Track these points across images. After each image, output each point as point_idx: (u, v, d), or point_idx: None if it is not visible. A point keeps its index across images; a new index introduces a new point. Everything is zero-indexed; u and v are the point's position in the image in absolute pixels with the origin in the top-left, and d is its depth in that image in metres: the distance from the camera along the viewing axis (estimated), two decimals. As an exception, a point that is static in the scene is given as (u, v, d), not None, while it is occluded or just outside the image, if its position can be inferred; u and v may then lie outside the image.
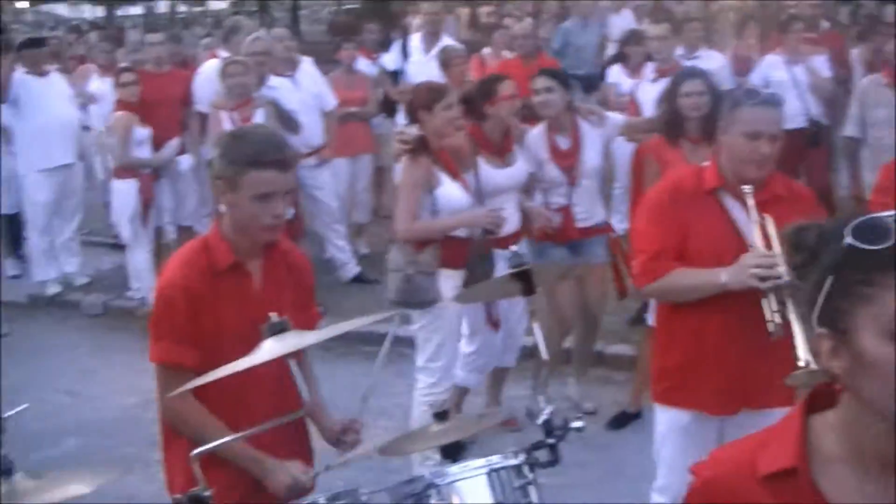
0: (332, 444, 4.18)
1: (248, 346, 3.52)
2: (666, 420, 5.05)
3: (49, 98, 10.98)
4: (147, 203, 10.59)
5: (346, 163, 11.24)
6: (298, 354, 3.84)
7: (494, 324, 7.05)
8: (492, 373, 7.52)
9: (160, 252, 11.15)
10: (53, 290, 11.47)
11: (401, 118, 10.59)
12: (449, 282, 6.60)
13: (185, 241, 10.89)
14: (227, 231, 4.06)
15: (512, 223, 6.95)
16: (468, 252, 6.70)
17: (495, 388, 7.54)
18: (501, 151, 7.12)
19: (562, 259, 7.28)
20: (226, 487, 3.55)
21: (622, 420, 7.55)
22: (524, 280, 3.68)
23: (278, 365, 3.84)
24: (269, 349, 3.16)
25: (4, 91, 10.75)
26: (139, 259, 10.76)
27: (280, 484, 3.78)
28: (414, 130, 6.66)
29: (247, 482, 3.87)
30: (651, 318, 7.31)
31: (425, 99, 6.76)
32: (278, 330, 3.16)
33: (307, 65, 10.71)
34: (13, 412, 3.01)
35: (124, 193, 10.51)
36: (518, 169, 7.14)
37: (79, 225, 11.89)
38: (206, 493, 2.96)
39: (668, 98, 6.97)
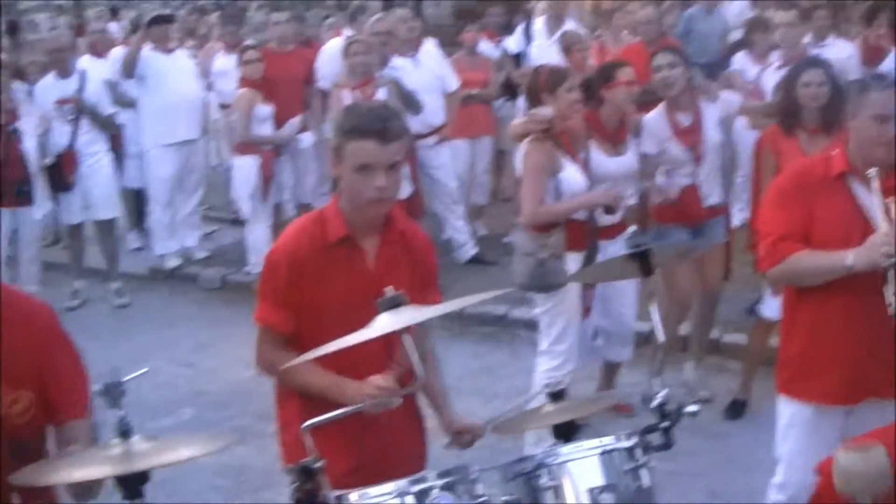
0: (449, 441, 4.20)
1: (355, 321, 3.50)
2: (788, 413, 4.97)
3: (174, 74, 11.12)
4: (267, 179, 10.69)
5: (466, 144, 11.20)
6: (413, 331, 3.84)
7: (586, 312, 6.97)
8: (603, 367, 7.47)
9: (278, 229, 11.28)
10: (173, 263, 11.65)
11: (522, 101, 10.60)
12: (573, 265, 6.60)
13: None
14: (344, 205, 4.07)
15: (616, 214, 6.89)
16: (588, 234, 6.69)
17: (607, 381, 7.47)
18: (615, 139, 7.07)
19: (683, 241, 7.21)
20: (337, 458, 3.55)
21: (738, 409, 7.45)
22: (642, 261, 3.64)
23: (389, 342, 3.87)
24: (382, 323, 3.14)
25: (132, 67, 10.93)
26: (258, 235, 10.86)
27: (361, 395, 3.75)
28: (548, 111, 6.63)
29: (357, 453, 3.85)
30: (763, 309, 7.26)
31: (548, 82, 6.74)
32: (393, 304, 3.14)
33: (430, 46, 10.71)
34: (133, 376, 3.04)
35: (245, 169, 10.64)
36: (628, 158, 7.09)
37: (200, 200, 12.11)
38: (317, 465, 2.96)
39: (787, 87, 6.86)
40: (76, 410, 3.56)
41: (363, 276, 4.04)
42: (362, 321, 3.67)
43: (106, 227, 11.06)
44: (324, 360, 3.95)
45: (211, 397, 8.40)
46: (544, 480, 3.36)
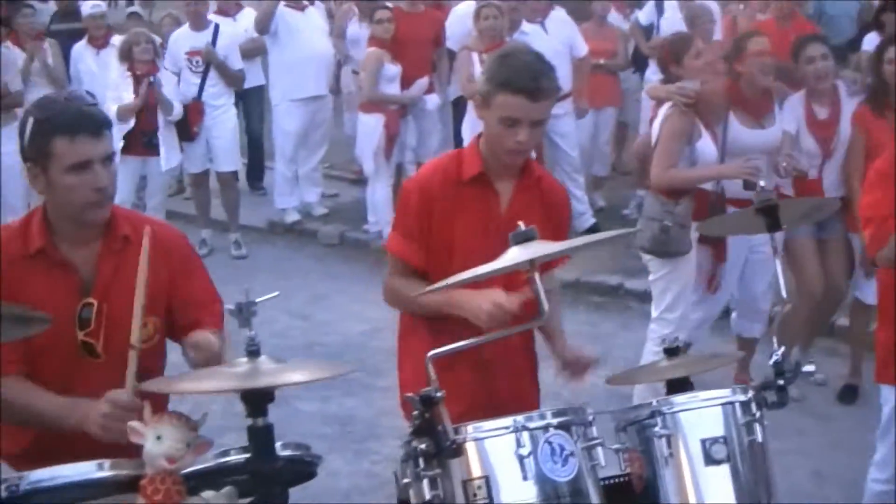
0: (560, 369, 4.19)
1: (483, 261, 3.54)
2: (892, 401, 4.95)
3: (306, 31, 11.27)
4: (391, 138, 10.76)
5: (590, 114, 11.14)
6: (542, 267, 3.91)
7: (711, 284, 6.97)
8: (738, 343, 7.39)
9: (399, 189, 11.37)
10: (292, 217, 11.82)
11: (649, 73, 10.57)
12: (695, 234, 6.61)
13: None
14: (483, 147, 4.12)
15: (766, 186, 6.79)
16: (709, 206, 6.67)
17: (743, 359, 7.38)
18: (757, 111, 6.95)
19: (809, 234, 7.14)
20: (448, 401, 3.63)
21: (850, 394, 7.37)
22: (770, 216, 3.64)
23: (513, 279, 3.89)
24: (512, 256, 3.19)
25: (268, 23, 11.09)
26: (379, 193, 10.97)
27: (479, 310, 3.74)
28: (695, 86, 6.61)
29: (469, 396, 3.90)
30: (860, 293, 7.18)
31: (672, 51, 6.75)
32: (524, 238, 3.19)
33: (559, 12, 10.70)
34: (264, 298, 3.14)
35: (370, 127, 10.73)
36: (772, 132, 6.96)
37: (322, 157, 12.23)
38: (438, 394, 3.01)
39: (875, 65, 6.75)
40: (212, 321, 3.71)
41: (494, 217, 4.09)
42: (487, 260, 3.74)
43: (227, 178, 11.27)
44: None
45: (323, 349, 8.53)
46: (658, 428, 3.38)
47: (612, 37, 11.51)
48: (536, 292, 3.18)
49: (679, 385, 3.73)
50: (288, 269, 10.57)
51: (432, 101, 11.06)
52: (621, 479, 3.47)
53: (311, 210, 12.00)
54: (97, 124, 3.51)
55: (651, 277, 6.92)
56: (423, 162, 11.02)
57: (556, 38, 10.33)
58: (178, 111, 10.49)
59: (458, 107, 11.16)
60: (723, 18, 10.97)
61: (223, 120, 10.99)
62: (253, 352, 3.03)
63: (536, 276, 3.18)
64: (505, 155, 4.04)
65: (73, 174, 3.45)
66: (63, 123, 3.45)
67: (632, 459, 3.46)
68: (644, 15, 11.69)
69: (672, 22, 10.98)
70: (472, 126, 9.92)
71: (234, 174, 11.42)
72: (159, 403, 3.36)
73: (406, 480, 3.29)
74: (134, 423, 2.98)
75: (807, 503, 5.86)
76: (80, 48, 11.76)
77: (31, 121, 3.52)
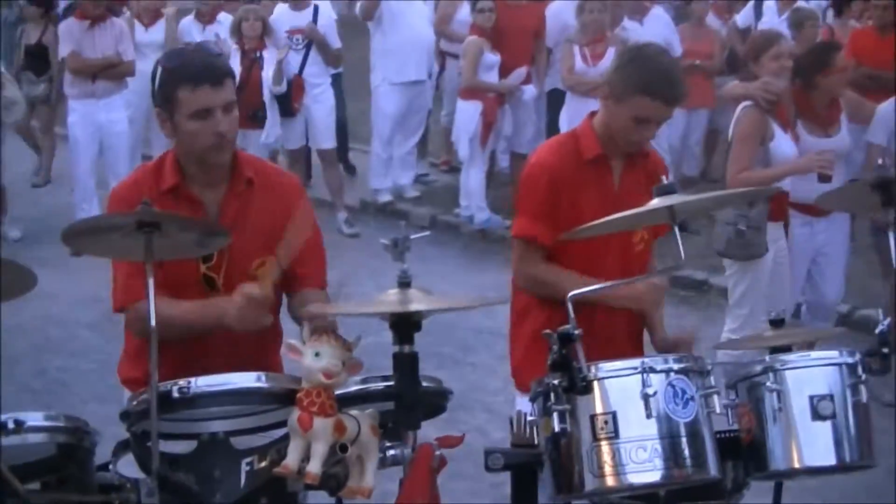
0: (659, 351, 4.40)
1: (607, 234, 3.95)
2: None
3: (409, 16, 11.47)
4: (488, 126, 10.95)
5: (682, 114, 11.18)
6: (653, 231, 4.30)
7: None
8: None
9: (490, 177, 11.61)
10: (385, 198, 12.04)
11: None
12: (771, 234, 6.70)
13: (517, 168, 11.34)
14: (598, 127, 4.35)
15: (837, 184, 6.73)
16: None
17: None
18: (825, 121, 7.04)
19: None
20: None
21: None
22: (885, 192, 3.80)
23: (624, 251, 4.29)
24: (654, 204, 3.44)
25: (374, 9, 11.34)
26: (472, 179, 11.17)
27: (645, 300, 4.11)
28: (781, 84, 6.73)
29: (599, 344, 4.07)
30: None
31: (752, 49, 6.89)
32: (666, 191, 3.41)
33: (658, 10, 10.86)
34: (418, 235, 3.38)
35: (468, 113, 10.95)
36: (837, 140, 7.04)
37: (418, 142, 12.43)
38: (576, 332, 3.23)
39: None
40: (317, 281, 4.00)
41: (609, 193, 4.34)
42: (613, 236, 4.02)
43: (329, 155, 11.55)
44: (564, 256, 4.32)
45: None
46: (769, 383, 3.58)
47: (708, 39, 11.65)
48: (675, 244, 3.40)
49: (782, 352, 3.92)
50: (378, 249, 10.69)
51: (529, 91, 11.22)
52: (729, 434, 3.65)
53: (404, 192, 12.21)
54: (218, 74, 3.78)
55: (727, 273, 7.08)
56: (518, 151, 11.27)
57: (652, 36, 10.44)
58: (282, 87, 10.78)
59: (553, 99, 11.36)
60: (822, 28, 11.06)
61: (322, 98, 11.29)
62: (404, 283, 3.28)
63: (676, 229, 3.38)
64: (626, 145, 4.32)
65: (195, 120, 3.73)
66: (186, 73, 3.73)
67: (741, 413, 3.64)
68: (742, 18, 11.81)
69: (769, 26, 11.02)
70: (569, 118, 10.10)
71: (335, 151, 11.66)
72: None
73: (531, 418, 3.54)
74: (292, 342, 3.24)
75: (884, 502, 5.96)
76: (188, 23, 12.00)
77: (160, 70, 3.81)
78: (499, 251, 10.59)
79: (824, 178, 6.67)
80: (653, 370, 3.31)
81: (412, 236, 3.36)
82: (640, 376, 3.31)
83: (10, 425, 3.22)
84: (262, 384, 3.27)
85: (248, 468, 3.23)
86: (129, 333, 4.06)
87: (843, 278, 7.41)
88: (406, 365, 3.27)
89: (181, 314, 3.72)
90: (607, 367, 3.38)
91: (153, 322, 3.07)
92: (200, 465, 3.19)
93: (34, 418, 3.33)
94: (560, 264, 4.34)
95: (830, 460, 3.60)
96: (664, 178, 3.57)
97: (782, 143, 6.69)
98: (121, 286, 3.85)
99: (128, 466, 3.42)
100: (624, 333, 4.41)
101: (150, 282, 3.11)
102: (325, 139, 11.42)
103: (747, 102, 6.70)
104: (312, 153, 11.95)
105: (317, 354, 3.18)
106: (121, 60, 10.64)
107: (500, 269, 10.24)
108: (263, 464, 3.25)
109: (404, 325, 3.26)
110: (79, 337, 8.82)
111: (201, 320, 3.73)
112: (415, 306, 3.25)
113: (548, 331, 3.32)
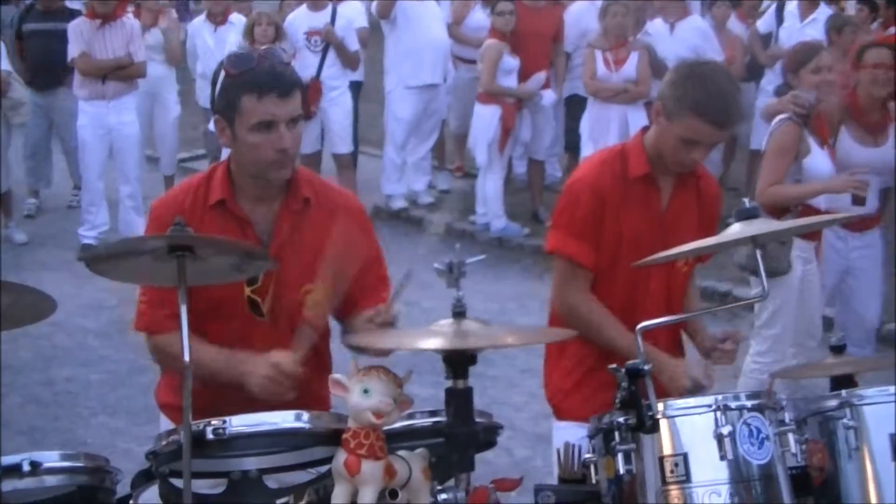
0: (703, 354, 4.21)
1: (647, 254, 3.68)
2: None
3: (424, 19, 11.29)
4: (507, 131, 10.75)
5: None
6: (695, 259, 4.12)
7: None
8: None
9: (507, 183, 11.42)
10: (399, 204, 11.86)
11: (764, 83, 10.52)
12: (799, 253, 6.50)
13: (534, 174, 11.19)
14: (649, 144, 4.14)
15: (871, 205, 6.75)
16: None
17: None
18: (874, 128, 6.90)
19: None
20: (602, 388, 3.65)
21: None
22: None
23: (669, 274, 4.10)
24: (736, 231, 3.25)
25: (389, 10, 11.17)
26: (490, 185, 10.99)
27: (680, 382, 3.85)
28: (811, 96, 6.54)
29: None
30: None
31: (793, 60, 6.75)
32: (748, 215, 3.20)
33: (695, 18, 10.83)
34: (473, 260, 3.14)
35: (486, 118, 10.75)
36: (885, 150, 6.90)
37: (433, 147, 12.22)
38: (646, 367, 3.02)
39: None
40: (376, 301, 3.67)
41: (655, 213, 4.15)
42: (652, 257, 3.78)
43: (345, 161, 11.36)
44: (604, 291, 4.13)
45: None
46: (846, 420, 3.38)
47: (730, 44, 11.44)
48: (757, 268, 3.20)
49: (844, 382, 3.73)
50: (392, 254, 10.47)
51: (549, 96, 11.06)
52: (798, 471, 3.43)
53: (418, 198, 12.03)
54: (286, 85, 3.51)
55: (753, 291, 6.88)
56: (535, 158, 11.13)
57: (682, 43, 10.35)
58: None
59: (570, 105, 11.19)
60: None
61: (340, 102, 11.17)
62: (459, 313, 3.04)
63: (758, 253, 3.18)
64: (675, 166, 4.11)
65: (257, 133, 3.48)
66: (252, 81, 3.47)
67: (813, 451, 3.43)
68: (763, 23, 11.64)
69: (791, 31, 10.96)
70: (591, 124, 9.99)
71: (352, 156, 11.50)
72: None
73: (588, 456, 3.31)
74: (337, 376, 2.99)
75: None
76: (199, 24, 11.85)
77: (222, 74, 3.55)
78: (517, 259, 10.43)
79: (858, 201, 6.49)
80: (727, 408, 3.11)
81: (468, 261, 3.08)
82: (713, 414, 3.10)
83: (26, 468, 3.02)
84: (304, 424, 3.02)
85: (282, 510, 2.97)
86: None
87: (881, 298, 7.25)
88: (460, 402, 3.01)
89: (207, 360, 3.51)
90: (678, 404, 3.19)
91: (186, 357, 2.81)
92: (231, 505, 2.94)
93: (51, 458, 3.12)
94: (602, 287, 4.17)
95: (910, 501, 3.38)
96: (746, 201, 3.32)
97: (818, 160, 6.49)
98: (146, 312, 3.66)
99: (149, 501, 3.21)
100: (666, 340, 4.21)
101: (184, 309, 2.83)
102: (343, 143, 11.29)
103: (783, 115, 6.51)
104: (324, 158, 11.73)
105: (365, 391, 2.92)
106: (131, 61, 10.44)
107: (518, 277, 10.14)
108: (300, 505, 2.99)
109: (459, 360, 2.99)
110: (87, 346, 8.64)
111: (226, 371, 3.52)
112: (472, 343, 2.99)
113: (614, 365, 3.10)
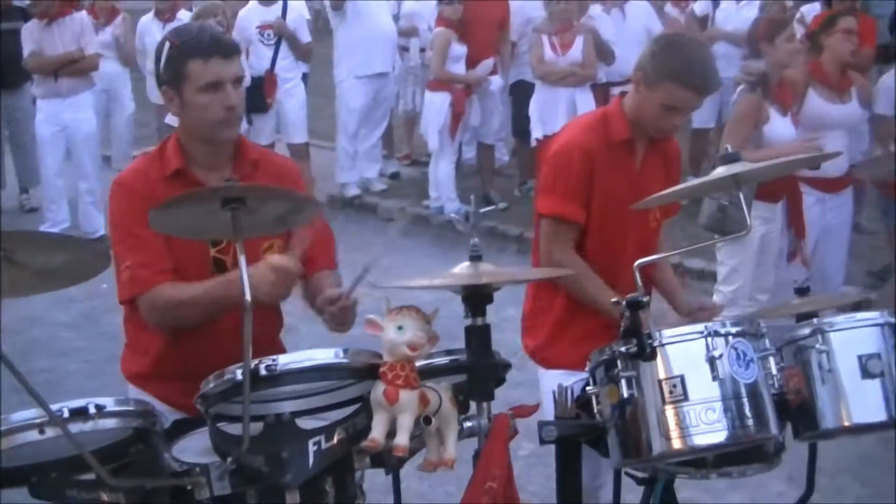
0: (682, 316, 4.55)
1: (627, 215, 4.14)
2: None
3: (372, 8, 11.54)
4: (457, 116, 11.04)
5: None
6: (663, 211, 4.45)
7: (792, 255, 7.15)
8: None
9: (458, 168, 11.68)
10: (352, 192, 12.11)
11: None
12: (760, 213, 6.83)
13: (484, 158, 11.41)
14: (629, 110, 4.46)
15: (840, 166, 7.03)
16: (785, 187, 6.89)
17: None
18: (838, 87, 7.20)
19: None
20: (585, 338, 3.97)
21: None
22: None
23: (642, 231, 4.44)
24: (719, 173, 3.55)
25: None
26: (442, 170, 11.27)
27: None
28: (758, 65, 6.88)
29: (600, 340, 4.11)
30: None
31: (767, 31, 6.99)
32: (731, 159, 3.52)
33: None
34: (489, 209, 3.49)
35: (436, 105, 11.05)
36: (850, 107, 7.22)
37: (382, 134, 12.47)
38: (644, 299, 3.34)
39: None
40: (327, 261, 4.04)
41: (632, 172, 4.49)
42: (632, 215, 4.13)
43: (301, 150, 11.58)
44: (598, 249, 4.45)
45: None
46: (818, 346, 3.70)
47: (669, 26, 11.60)
48: (741, 207, 3.51)
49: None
50: (351, 242, 10.50)
51: (496, 82, 11.37)
52: (777, 397, 3.70)
53: (370, 185, 12.28)
54: (228, 48, 3.81)
55: (718, 256, 7.24)
56: (484, 141, 11.39)
57: (635, 23, 10.75)
58: (246, 82, 10.75)
59: (516, 91, 11.48)
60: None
61: (294, 93, 11.40)
62: (475, 257, 3.37)
63: (744, 191, 3.49)
64: (654, 131, 4.44)
65: (205, 93, 3.74)
66: (197, 47, 3.74)
67: (790, 376, 3.74)
68: (699, 5, 11.97)
69: (727, 13, 11.27)
70: (540, 107, 10.23)
71: (307, 146, 11.72)
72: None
73: (590, 389, 3.63)
74: (372, 317, 3.29)
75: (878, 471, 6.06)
76: (147, 21, 11.94)
77: (167, 46, 3.82)
78: (466, 240, 10.63)
79: (813, 166, 6.79)
80: (716, 334, 3.42)
81: (482, 210, 3.41)
82: (704, 340, 3.41)
83: (92, 410, 3.23)
84: (343, 360, 3.28)
85: (315, 448, 3.21)
86: (129, 327, 4.03)
87: (845, 256, 7.53)
88: (480, 337, 3.35)
89: (207, 291, 3.71)
90: (670, 332, 3.48)
91: (247, 296, 3.01)
92: (268, 446, 3.18)
93: (107, 402, 3.30)
94: (585, 246, 4.47)
95: (882, 416, 3.70)
96: (728, 146, 3.64)
97: (778, 126, 6.83)
98: (134, 276, 3.80)
99: (183, 452, 3.43)
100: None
101: (243, 259, 3.04)
102: (298, 133, 11.54)
103: (742, 86, 6.88)
104: (278, 149, 11.93)
105: (399, 328, 3.23)
106: (82, 55, 10.59)
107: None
108: (332, 443, 3.24)
109: (477, 298, 3.32)
110: (60, 338, 8.82)
111: (219, 299, 3.68)
112: (487, 278, 3.32)
113: (616, 299, 3.42)
